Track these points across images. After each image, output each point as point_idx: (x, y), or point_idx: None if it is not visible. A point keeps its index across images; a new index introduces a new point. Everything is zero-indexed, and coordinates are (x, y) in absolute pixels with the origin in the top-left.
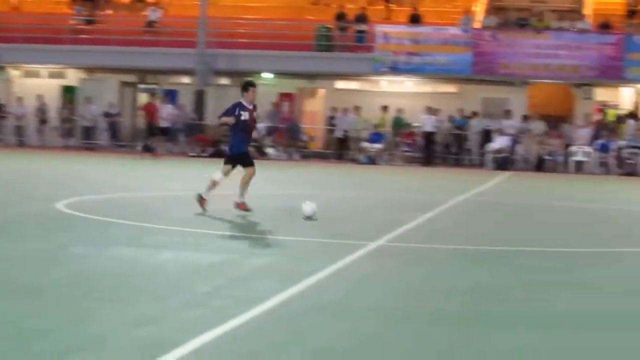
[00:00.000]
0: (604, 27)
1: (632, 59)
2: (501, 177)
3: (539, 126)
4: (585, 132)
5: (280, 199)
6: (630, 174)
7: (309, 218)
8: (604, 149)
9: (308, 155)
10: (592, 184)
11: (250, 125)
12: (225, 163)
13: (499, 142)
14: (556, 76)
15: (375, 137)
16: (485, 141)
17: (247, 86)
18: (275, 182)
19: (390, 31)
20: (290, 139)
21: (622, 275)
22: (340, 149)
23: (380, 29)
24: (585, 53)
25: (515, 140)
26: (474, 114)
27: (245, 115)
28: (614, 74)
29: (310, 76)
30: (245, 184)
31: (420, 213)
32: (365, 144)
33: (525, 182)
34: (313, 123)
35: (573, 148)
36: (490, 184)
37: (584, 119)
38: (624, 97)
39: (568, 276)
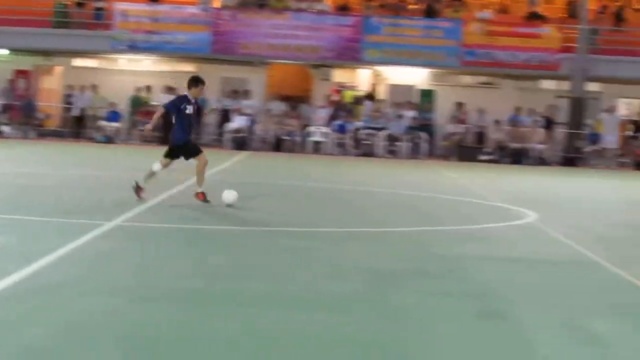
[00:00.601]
0: (343, 9)
1: (369, 41)
2: (239, 157)
3: (277, 106)
4: (323, 113)
5: (15, 178)
6: (367, 154)
7: (229, 205)
8: (342, 129)
9: (44, 134)
10: (329, 165)
11: (193, 117)
12: (166, 155)
13: (237, 122)
14: (295, 57)
15: (113, 116)
16: (224, 121)
17: (197, 82)
18: (10, 161)
19: (129, 9)
20: (26, 117)
21: (359, 255)
22: (77, 127)
23: (119, 6)
24: (323, 34)
25: (253, 120)
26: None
27: (189, 109)
28: (351, 56)
29: (47, 53)
30: (200, 172)
31: (158, 192)
32: (103, 123)
33: (264, 161)
34: (49, 101)
35: (311, 128)
36: (228, 163)
37: (322, 100)
38: (361, 78)
39: (307, 255)
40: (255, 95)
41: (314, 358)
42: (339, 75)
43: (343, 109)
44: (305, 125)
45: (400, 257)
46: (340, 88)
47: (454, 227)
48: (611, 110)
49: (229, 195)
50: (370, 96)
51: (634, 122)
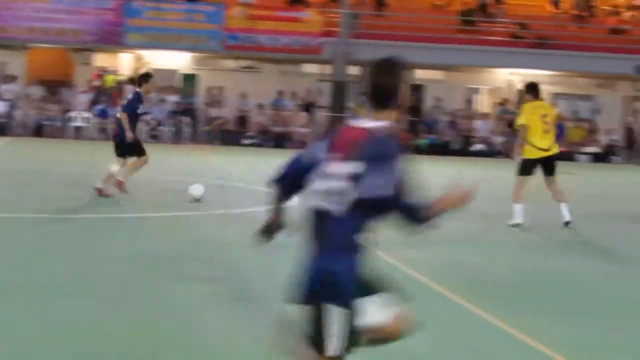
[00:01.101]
0: None
1: (131, 25)
2: None
3: (37, 91)
4: (84, 98)
5: None
6: None
7: (196, 200)
8: (103, 114)
9: None
10: (91, 150)
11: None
12: (119, 155)
13: None
14: (55, 40)
15: None
16: None
17: (147, 77)
18: None
19: None
20: None
21: (119, 241)
22: None
23: None
24: (84, 18)
25: (13, 105)
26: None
27: (142, 108)
28: (112, 40)
29: None
30: (135, 167)
31: None
32: None
33: (25, 148)
34: None
35: (72, 113)
36: None
37: (83, 85)
38: (124, 62)
39: (68, 242)
40: (15, 79)
41: (74, 343)
42: (101, 60)
43: (105, 94)
44: (66, 110)
45: (162, 242)
46: (102, 72)
47: (218, 211)
48: None
49: (197, 190)
50: (132, 80)
51: None
